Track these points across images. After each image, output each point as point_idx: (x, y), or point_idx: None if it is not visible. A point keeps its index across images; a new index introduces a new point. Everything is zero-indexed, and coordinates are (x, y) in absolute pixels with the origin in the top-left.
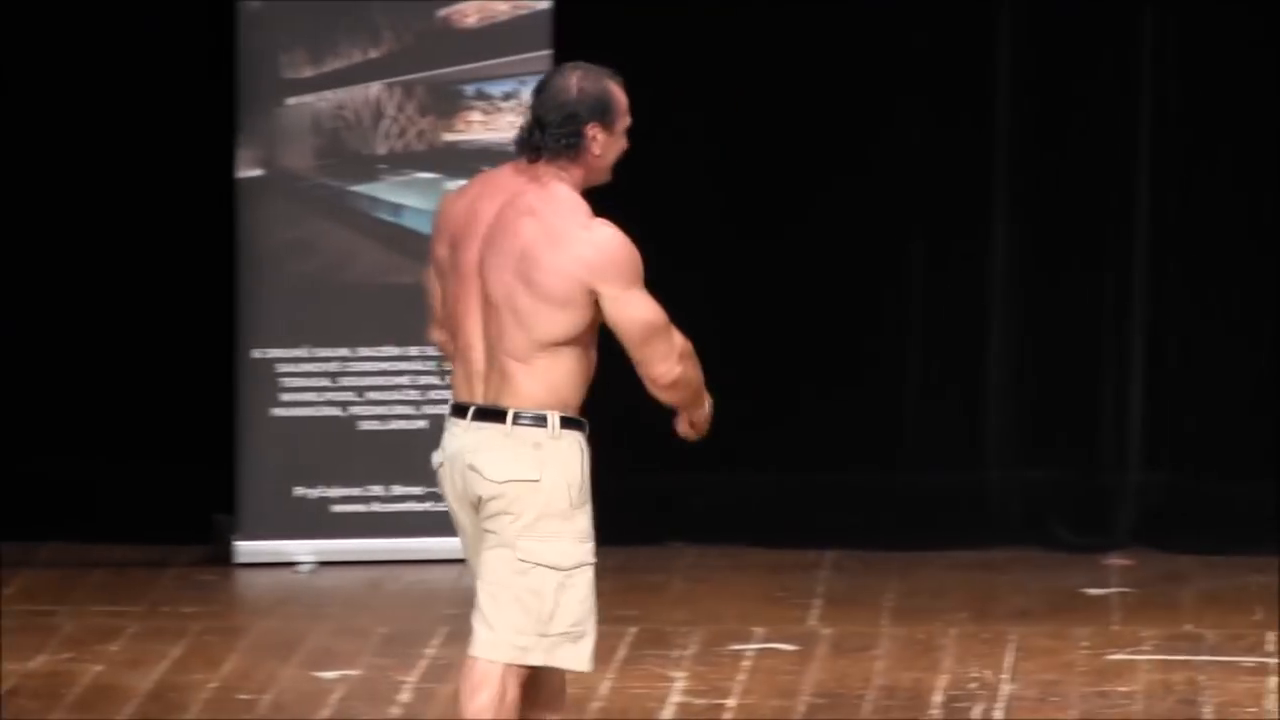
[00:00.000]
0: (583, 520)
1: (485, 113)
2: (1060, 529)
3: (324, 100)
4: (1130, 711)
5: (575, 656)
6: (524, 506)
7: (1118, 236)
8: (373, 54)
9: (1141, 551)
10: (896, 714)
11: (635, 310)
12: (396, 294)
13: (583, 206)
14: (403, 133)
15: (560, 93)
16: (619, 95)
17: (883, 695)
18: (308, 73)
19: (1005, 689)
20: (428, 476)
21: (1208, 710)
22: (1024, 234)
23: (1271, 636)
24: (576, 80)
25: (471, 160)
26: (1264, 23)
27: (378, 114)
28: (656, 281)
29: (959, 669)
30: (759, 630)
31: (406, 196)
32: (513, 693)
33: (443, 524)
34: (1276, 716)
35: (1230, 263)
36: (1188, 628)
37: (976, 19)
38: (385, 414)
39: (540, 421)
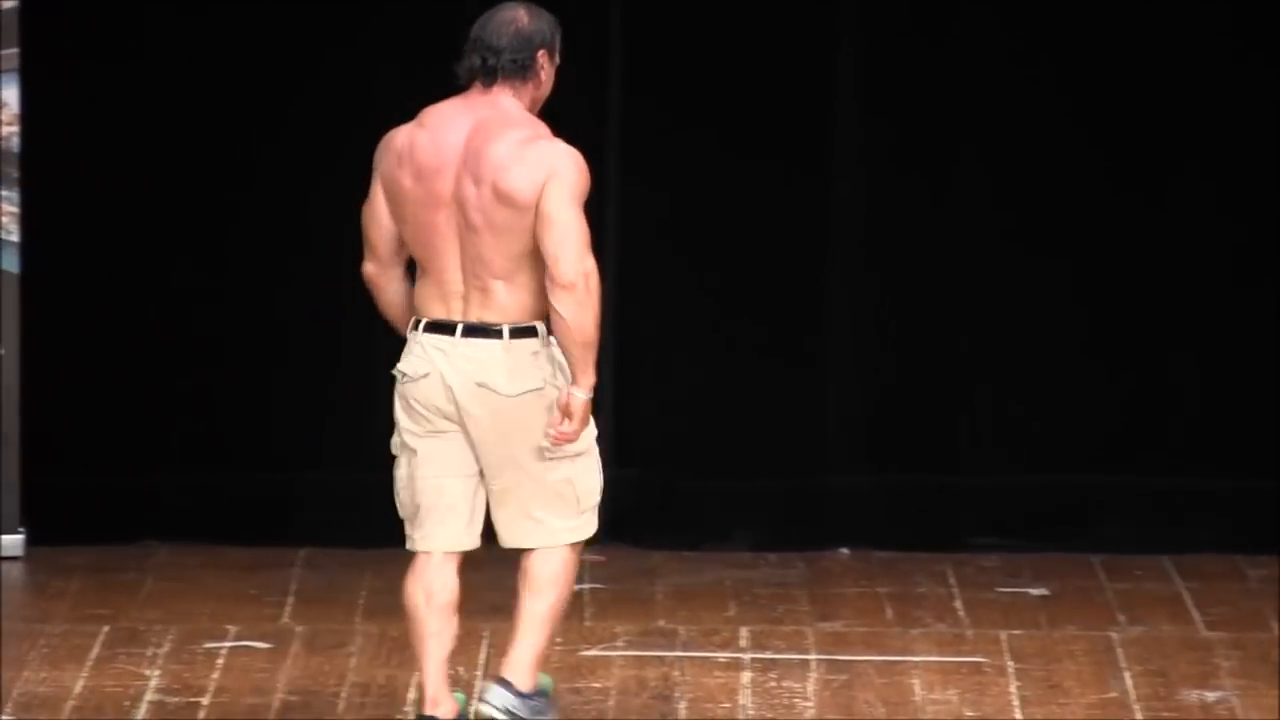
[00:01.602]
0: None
1: None
2: None
3: None
4: (604, 708)
5: (592, 524)
6: (536, 411)
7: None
8: None
9: (614, 548)
10: (370, 712)
11: (567, 210)
12: None
13: (541, 125)
14: None
15: (510, 23)
16: (557, 25)
17: (357, 692)
18: None
19: (479, 685)
20: None
21: (682, 706)
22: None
23: (745, 632)
24: (524, 12)
25: None
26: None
27: None
28: None
29: None
30: (232, 628)
31: None
32: (576, 565)
33: None
34: (750, 712)
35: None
36: (661, 623)
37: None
38: None
39: (531, 332)
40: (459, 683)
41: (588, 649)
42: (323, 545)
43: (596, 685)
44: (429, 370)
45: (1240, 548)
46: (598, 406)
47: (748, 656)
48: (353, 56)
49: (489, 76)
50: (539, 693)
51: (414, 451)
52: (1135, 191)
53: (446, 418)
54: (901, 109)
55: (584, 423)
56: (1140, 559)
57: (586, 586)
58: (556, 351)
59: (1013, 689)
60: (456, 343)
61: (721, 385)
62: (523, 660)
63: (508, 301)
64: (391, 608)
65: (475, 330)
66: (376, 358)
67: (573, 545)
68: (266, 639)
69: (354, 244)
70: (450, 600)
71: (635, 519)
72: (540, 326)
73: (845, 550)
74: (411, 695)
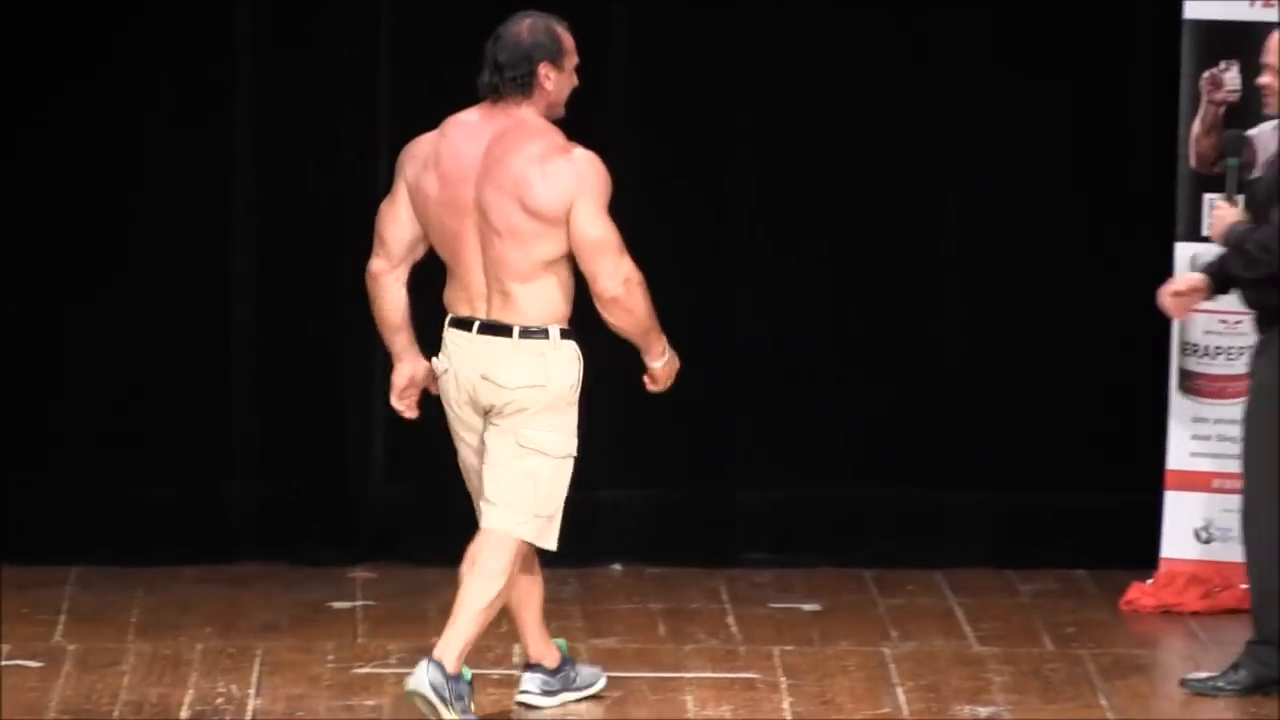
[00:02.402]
0: (574, 418)
1: None
2: (305, 542)
3: None
4: None
5: (548, 535)
6: (530, 404)
7: (365, 252)
8: None
9: (387, 564)
10: None
11: (596, 226)
12: None
13: (558, 133)
14: None
15: (513, 38)
16: (566, 37)
17: (130, 710)
18: None
19: (252, 703)
20: None
21: None
22: (263, 246)
23: (518, 649)
24: (527, 26)
25: None
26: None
27: None
28: None
29: (205, 684)
30: (5, 647)
31: None
32: (517, 563)
33: None
34: None
35: None
36: (434, 641)
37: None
38: None
39: (543, 334)
40: (232, 700)
41: (361, 667)
42: (94, 564)
43: (369, 703)
44: (448, 366)
45: (1012, 562)
46: None
47: (521, 673)
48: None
49: (495, 93)
50: (461, 678)
51: (458, 440)
52: (897, 199)
53: (473, 410)
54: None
55: (669, 379)
56: (912, 574)
57: (359, 604)
58: (565, 354)
59: (786, 705)
60: (472, 339)
61: None
62: (455, 643)
63: (525, 304)
64: (164, 625)
65: (489, 328)
66: (140, 375)
67: (520, 544)
68: (38, 658)
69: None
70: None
71: (408, 535)
72: (554, 329)
73: (617, 566)
74: (184, 714)
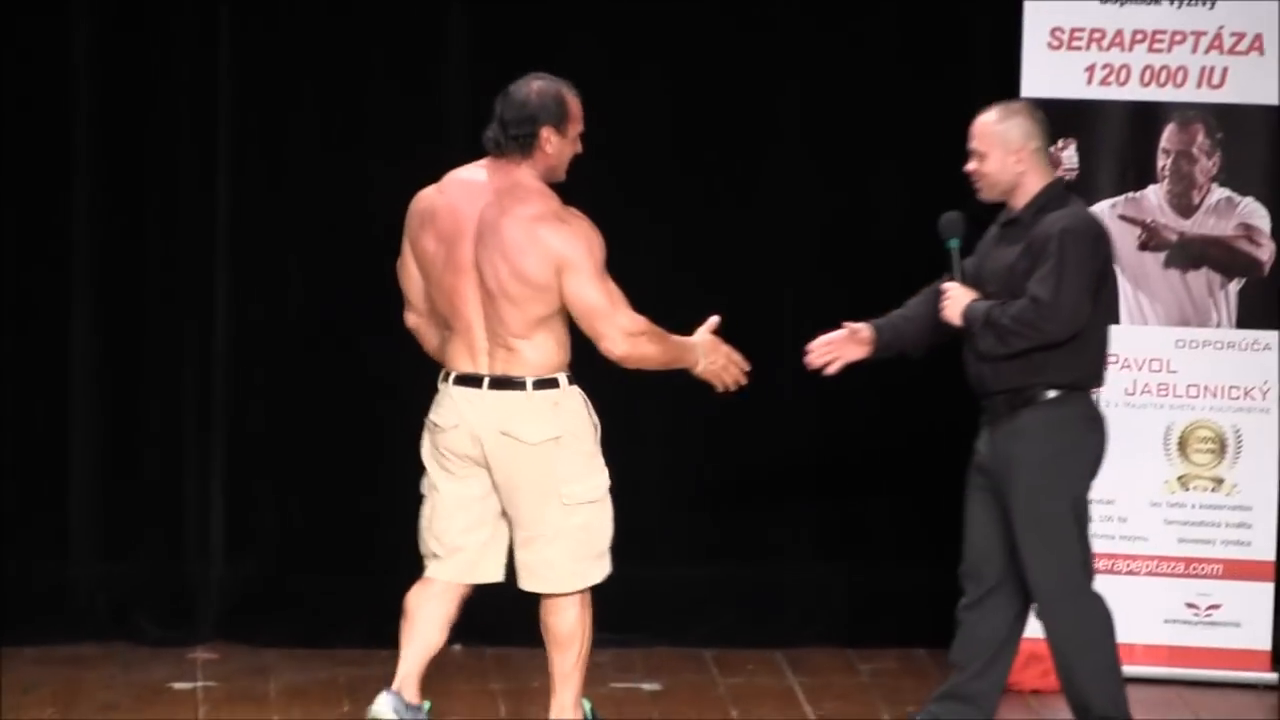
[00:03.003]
0: (598, 455)
1: None
2: (146, 623)
3: None
4: None
5: (605, 568)
6: (556, 458)
7: (201, 331)
8: None
9: (227, 644)
10: None
11: (589, 292)
12: None
13: (552, 198)
14: None
15: (520, 98)
16: (572, 103)
17: None
18: None
19: None
20: None
21: None
22: (106, 329)
23: None
24: (536, 88)
25: None
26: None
27: None
28: None
29: None
30: None
31: None
32: (589, 608)
33: None
34: None
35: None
36: (275, 718)
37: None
38: None
39: (553, 384)
40: None
41: None
42: None
43: None
44: (458, 421)
45: (852, 641)
46: None
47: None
48: None
49: (497, 149)
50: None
51: (438, 492)
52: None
53: (475, 464)
54: None
55: (726, 376)
56: (752, 652)
57: (200, 684)
58: (576, 399)
59: None
60: (484, 394)
61: (333, 482)
62: (564, 706)
63: (530, 357)
64: (4, 707)
65: (501, 383)
66: None
67: (582, 596)
68: None
69: None
70: (423, 618)
71: (249, 615)
72: (562, 377)
73: (458, 646)
74: None
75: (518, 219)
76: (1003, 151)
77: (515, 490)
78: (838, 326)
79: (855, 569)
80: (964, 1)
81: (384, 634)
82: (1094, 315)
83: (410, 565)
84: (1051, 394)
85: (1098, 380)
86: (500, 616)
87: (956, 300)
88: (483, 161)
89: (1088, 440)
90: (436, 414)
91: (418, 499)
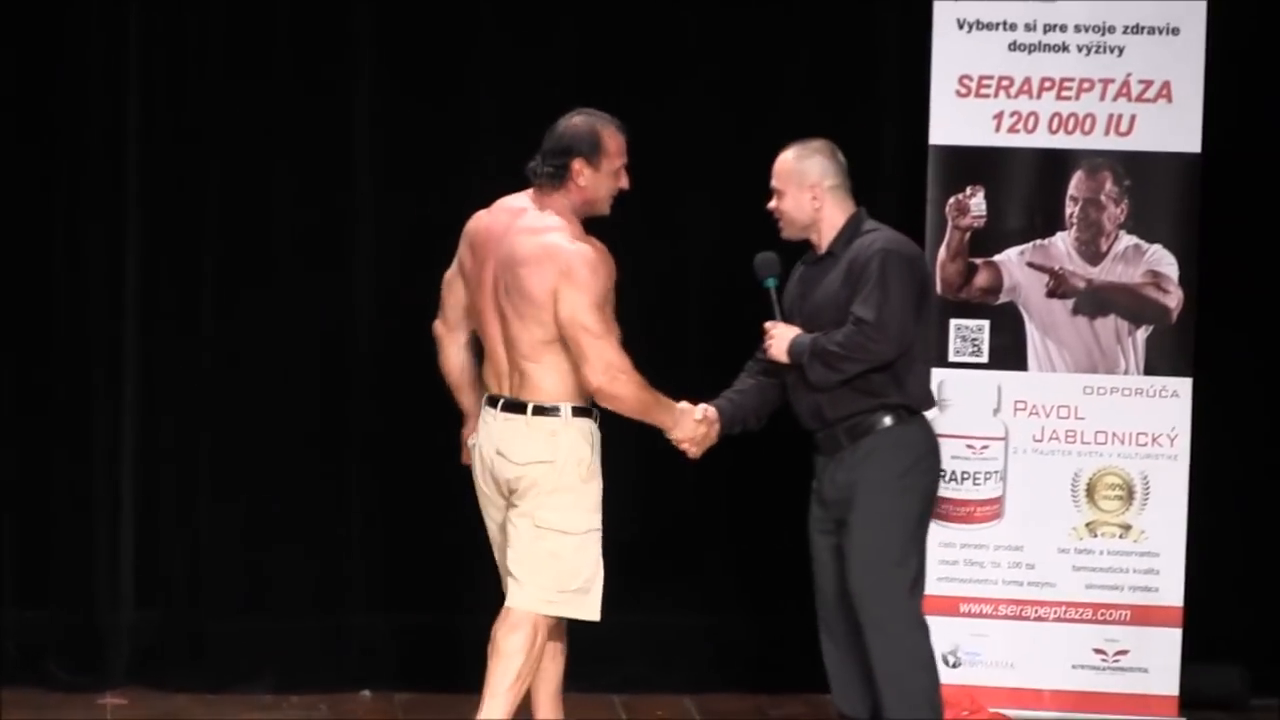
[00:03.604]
0: (592, 493)
1: None
2: (57, 668)
3: None
4: None
5: (587, 608)
6: (542, 482)
7: (109, 379)
8: None
9: (137, 690)
10: None
11: (579, 315)
12: None
13: (573, 225)
14: None
15: (559, 130)
16: (609, 139)
17: None
18: None
19: None
20: None
21: None
22: (15, 372)
23: None
24: (575, 121)
25: None
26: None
27: None
28: None
29: None
30: None
31: None
32: (542, 638)
33: None
34: None
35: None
36: None
37: None
38: None
39: (555, 412)
40: None
41: None
42: None
43: None
44: (475, 442)
45: (761, 687)
46: None
47: None
48: None
49: (534, 179)
50: None
51: (485, 513)
52: None
53: (495, 487)
54: None
55: (696, 441)
56: (661, 698)
57: None
58: (577, 433)
59: None
60: (496, 415)
61: (242, 527)
62: None
63: (538, 382)
64: None
65: (511, 405)
66: None
67: (539, 621)
68: None
69: None
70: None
71: (159, 661)
72: (565, 407)
73: (367, 692)
74: None
75: (530, 235)
76: (797, 189)
77: (503, 503)
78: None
79: (763, 615)
80: (873, 47)
81: (294, 679)
82: (918, 336)
83: (319, 611)
84: (889, 419)
85: (929, 402)
86: (409, 661)
87: (781, 338)
88: (528, 190)
89: (929, 463)
90: (472, 436)
91: (324, 542)
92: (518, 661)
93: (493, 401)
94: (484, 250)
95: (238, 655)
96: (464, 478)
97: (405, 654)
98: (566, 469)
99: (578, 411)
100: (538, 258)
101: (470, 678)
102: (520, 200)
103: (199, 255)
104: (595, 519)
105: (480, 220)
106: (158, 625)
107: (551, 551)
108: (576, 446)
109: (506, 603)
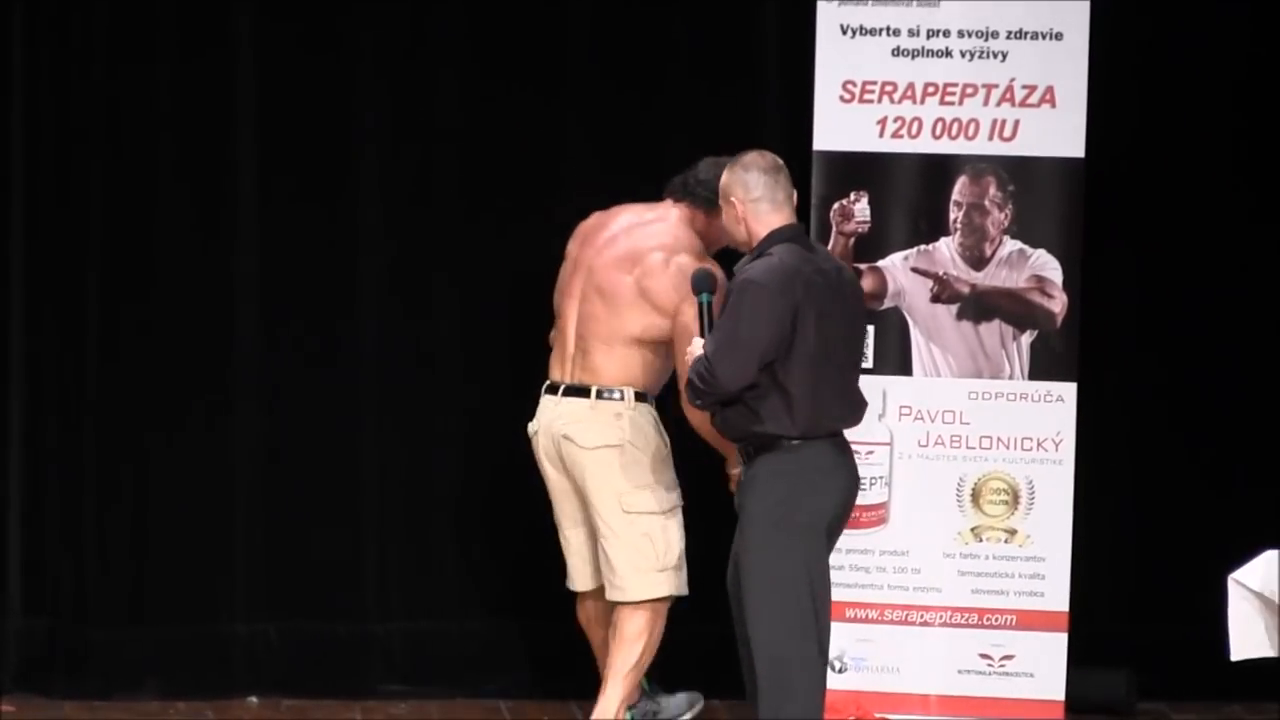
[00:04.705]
0: (667, 472)
1: None
2: None
3: None
4: None
5: (681, 583)
6: (616, 465)
7: None
8: None
9: (23, 697)
10: None
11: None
12: None
13: (692, 240)
14: None
15: (723, 159)
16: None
17: None
18: None
19: None
20: None
21: None
22: None
23: None
24: (748, 157)
25: None
26: None
27: None
28: None
29: None
30: None
31: None
32: (660, 621)
33: None
34: None
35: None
36: None
37: None
38: None
39: (619, 396)
40: None
41: None
42: None
43: None
44: (538, 427)
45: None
46: None
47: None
48: None
49: (670, 191)
50: None
51: (556, 507)
52: None
53: (557, 471)
54: None
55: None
56: (547, 704)
57: None
58: (643, 416)
59: None
60: (559, 401)
61: (132, 532)
62: (609, 709)
63: (604, 365)
64: None
65: (572, 390)
66: None
67: (653, 605)
68: None
69: None
70: (590, 625)
71: (45, 668)
72: (628, 391)
73: (254, 699)
74: None
75: (658, 239)
76: (725, 203)
77: (587, 495)
78: None
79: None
80: (755, 52)
81: (179, 685)
82: (792, 367)
83: (204, 618)
84: (789, 442)
85: (821, 428)
86: (296, 667)
87: (691, 354)
88: (665, 200)
89: (818, 487)
90: (533, 422)
91: (209, 549)
92: (639, 645)
93: (553, 388)
94: (592, 235)
95: (124, 661)
96: (350, 482)
97: (291, 660)
98: (643, 450)
99: (640, 396)
100: (669, 264)
101: (357, 682)
102: (645, 205)
103: (84, 253)
104: (675, 496)
105: (598, 215)
106: (44, 631)
107: (644, 533)
108: (645, 429)
109: (611, 595)
